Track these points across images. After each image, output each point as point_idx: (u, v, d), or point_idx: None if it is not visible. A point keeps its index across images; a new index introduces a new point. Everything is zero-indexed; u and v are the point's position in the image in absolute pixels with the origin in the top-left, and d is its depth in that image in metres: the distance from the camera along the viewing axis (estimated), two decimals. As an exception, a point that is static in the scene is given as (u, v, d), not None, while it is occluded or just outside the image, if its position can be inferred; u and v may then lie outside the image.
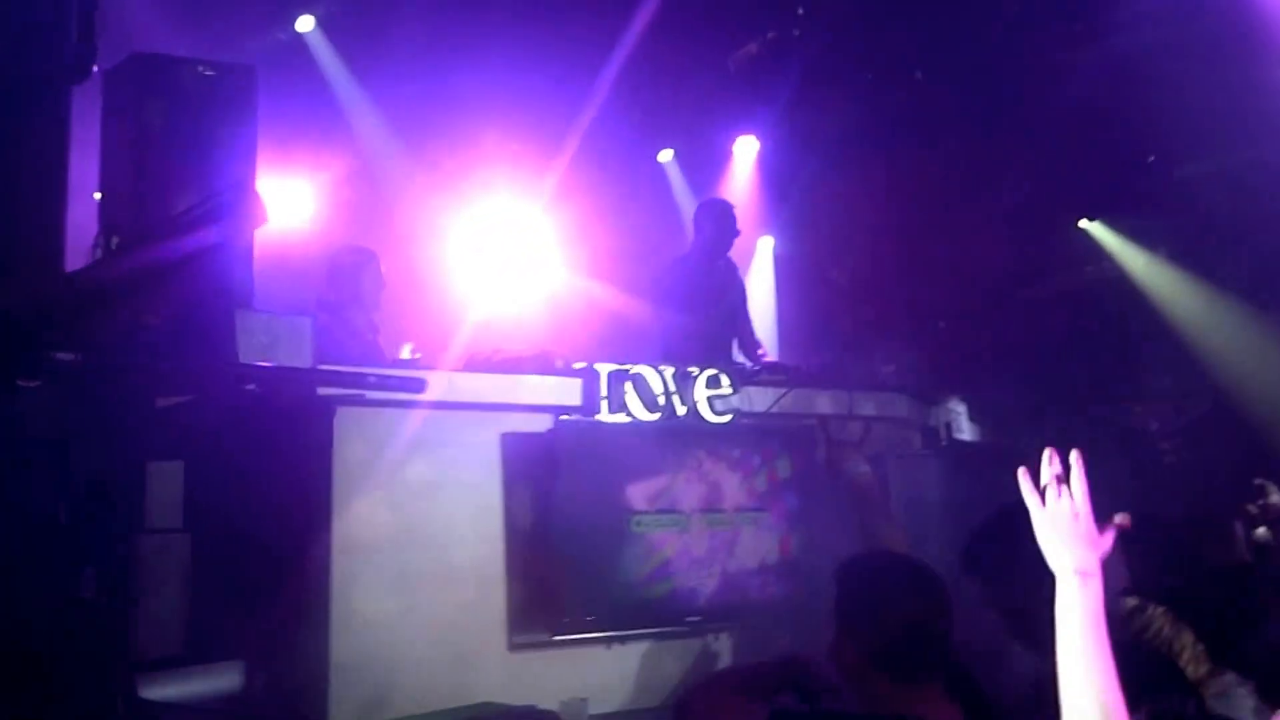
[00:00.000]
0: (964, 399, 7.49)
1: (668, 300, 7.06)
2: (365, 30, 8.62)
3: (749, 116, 10.50)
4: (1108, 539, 2.44)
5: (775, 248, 11.65)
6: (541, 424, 5.11)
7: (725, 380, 5.57)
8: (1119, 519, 2.48)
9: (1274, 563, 5.83)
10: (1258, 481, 7.20)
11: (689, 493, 5.36)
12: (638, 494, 5.18)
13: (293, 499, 4.48)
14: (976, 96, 9.64)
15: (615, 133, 9.51)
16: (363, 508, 4.53)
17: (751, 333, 7.43)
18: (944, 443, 6.78)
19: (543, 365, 5.34)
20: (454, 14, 8.29)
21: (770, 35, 9.24)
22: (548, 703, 4.74)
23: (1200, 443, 9.99)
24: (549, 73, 8.66)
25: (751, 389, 5.78)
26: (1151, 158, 10.63)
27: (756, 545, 5.54)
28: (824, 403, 6.18)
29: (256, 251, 4.52)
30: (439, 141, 9.11)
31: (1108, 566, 2.35)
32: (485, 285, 9.52)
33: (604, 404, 5.18)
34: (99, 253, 4.23)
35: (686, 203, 10.51)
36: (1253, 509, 6.86)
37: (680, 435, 5.37)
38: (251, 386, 4.23)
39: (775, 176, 11.07)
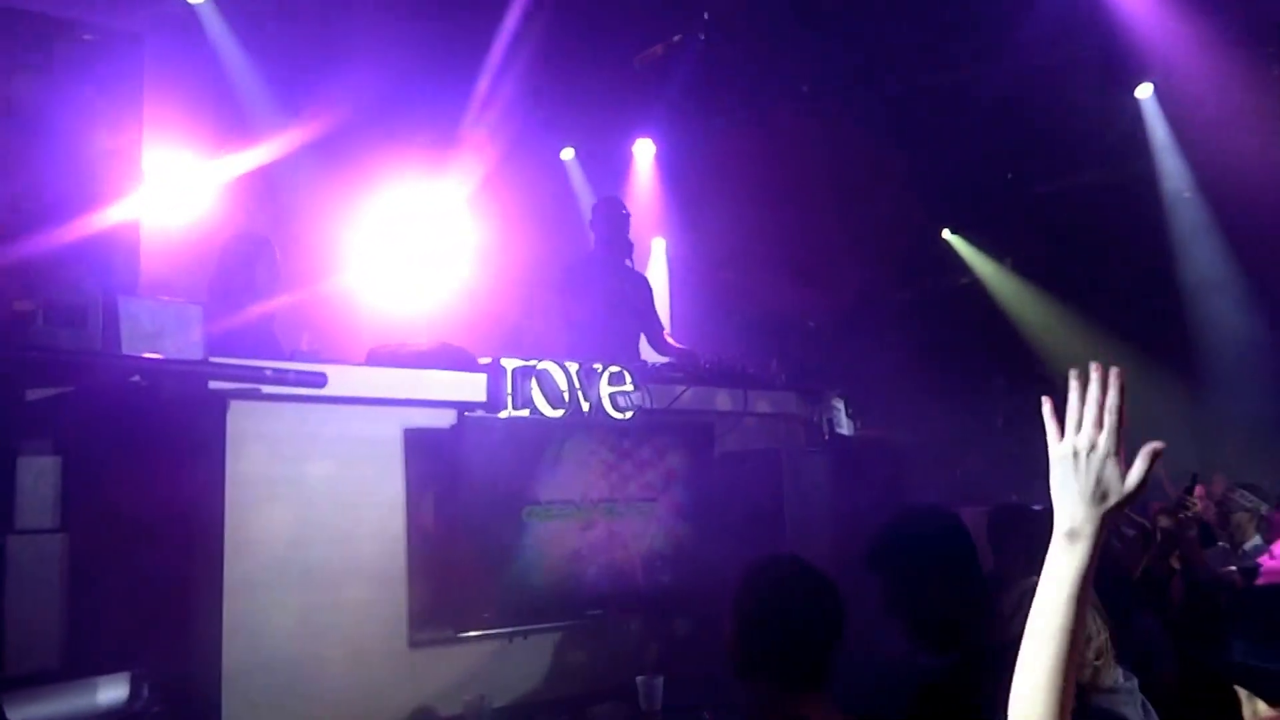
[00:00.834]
0: (843, 396, 7.14)
1: (573, 296, 6.69)
2: (262, 9, 7.83)
3: (649, 118, 10.14)
4: (1132, 479, 1.85)
5: (668, 248, 11.26)
6: (446, 419, 4.59)
7: (628, 377, 5.14)
8: (1154, 446, 1.89)
9: (1156, 558, 5.62)
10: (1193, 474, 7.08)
11: (586, 485, 4.91)
12: (536, 487, 4.71)
13: (183, 497, 3.87)
14: (858, 112, 9.46)
15: (522, 128, 9.02)
16: (258, 506, 3.96)
17: (660, 328, 7.06)
18: (827, 438, 6.45)
19: (447, 360, 4.78)
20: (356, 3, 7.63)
21: (675, 38, 8.86)
22: (450, 699, 4.32)
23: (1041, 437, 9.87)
24: (454, 65, 8.10)
25: (653, 386, 5.32)
26: (1010, 176, 10.63)
27: (650, 536, 5.12)
28: (722, 400, 5.80)
29: (145, 237, 3.85)
30: (341, 130, 8.35)
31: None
32: (388, 277, 8.92)
33: (509, 400, 4.67)
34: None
35: (587, 201, 10.05)
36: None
37: (581, 430, 4.92)
38: (136, 378, 3.58)
39: (670, 177, 10.71)
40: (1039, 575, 3.21)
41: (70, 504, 3.57)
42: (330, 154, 8.36)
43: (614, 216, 6.95)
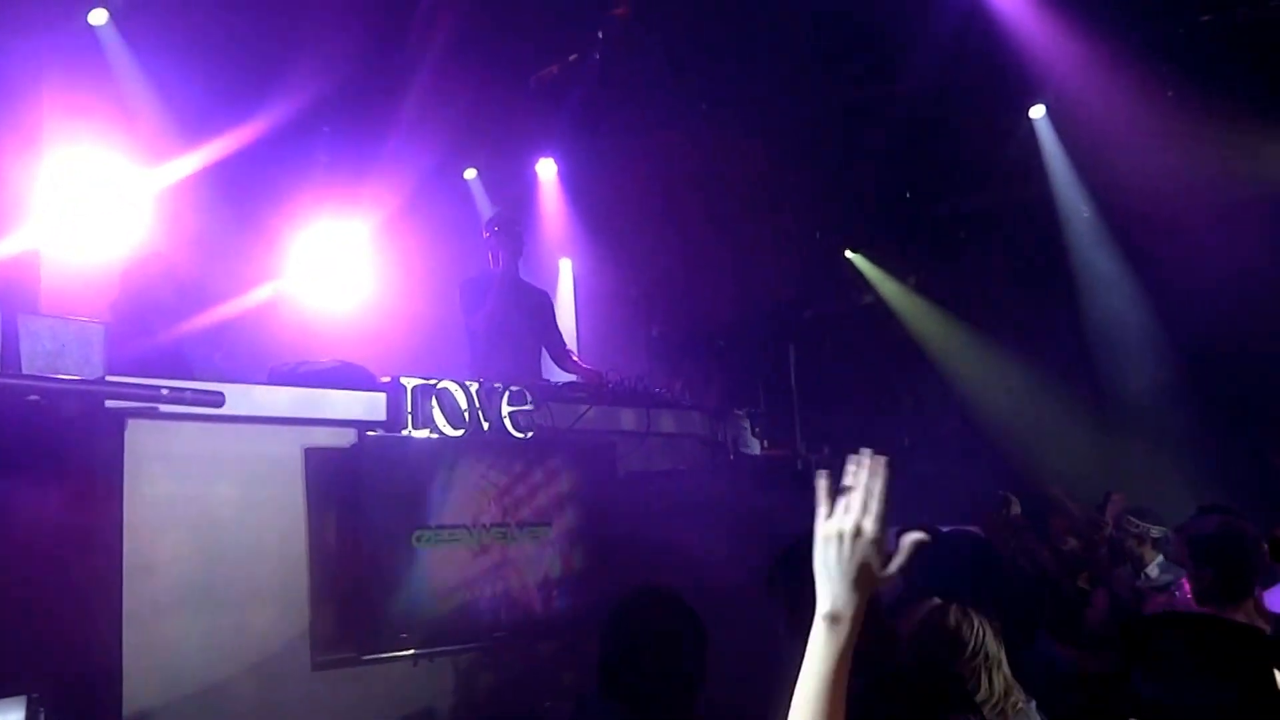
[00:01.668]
0: (748, 415, 7.33)
1: (471, 311, 6.78)
2: (157, 26, 7.82)
3: (549, 137, 10.28)
4: (892, 568, 1.96)
5: (574, 267, 11.42)
6: (346, 439, 4.68)
7: (529, 396, 5.25)
8: (915, 537, 2.00)
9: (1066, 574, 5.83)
10: (1001, 493, 7.30)
11: (478, 508, 4.99)
12: (430, 510, 4.79)
13: (81, 518, 3.90)
14: (758, 129, 9.66)
15: (423, 147, 9.09)
16: (158, 526, 4.01)
17: (562, 345, 7.17)
18: (731, 457, 6.60)
19: (347, 378, 4.87)
20: (257, 16, 7.67)
21: (572, 58, 9.02)
22: (353, 722, 4.34)
23: (947, 455, 10.17)
24: (359, 82, 8.17)
25: (554, 404, 5.45)
26: (908, 194, 10.91)
27: (542, 560, 5.21)
28: (625, 419, 5.94)
29: (48, 258, 3.93)
30: (249, 149, 8.35)
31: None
32: (299, 296, 8.94)
33: (409, 419, 4.77)
34: None
35: (490, 220, 10.13)
36: (998, 518, 6.94)
37: (479, 450, 5.01)
38: (34, 397, 3.64)
39: (573, 197, 10.86)
40: (940, 597, 3.42)
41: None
42: (234, 175, 8.37)
43: (507, 231, 7.01)
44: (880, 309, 11.76)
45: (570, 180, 10.93)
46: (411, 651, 4.65)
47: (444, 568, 4.81)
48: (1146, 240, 9.90)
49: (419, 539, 4.72)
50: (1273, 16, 8.44)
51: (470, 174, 10.92)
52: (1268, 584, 4.65)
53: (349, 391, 4.79)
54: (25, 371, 3.53)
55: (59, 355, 3.62)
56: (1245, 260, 8.81)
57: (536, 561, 5.16)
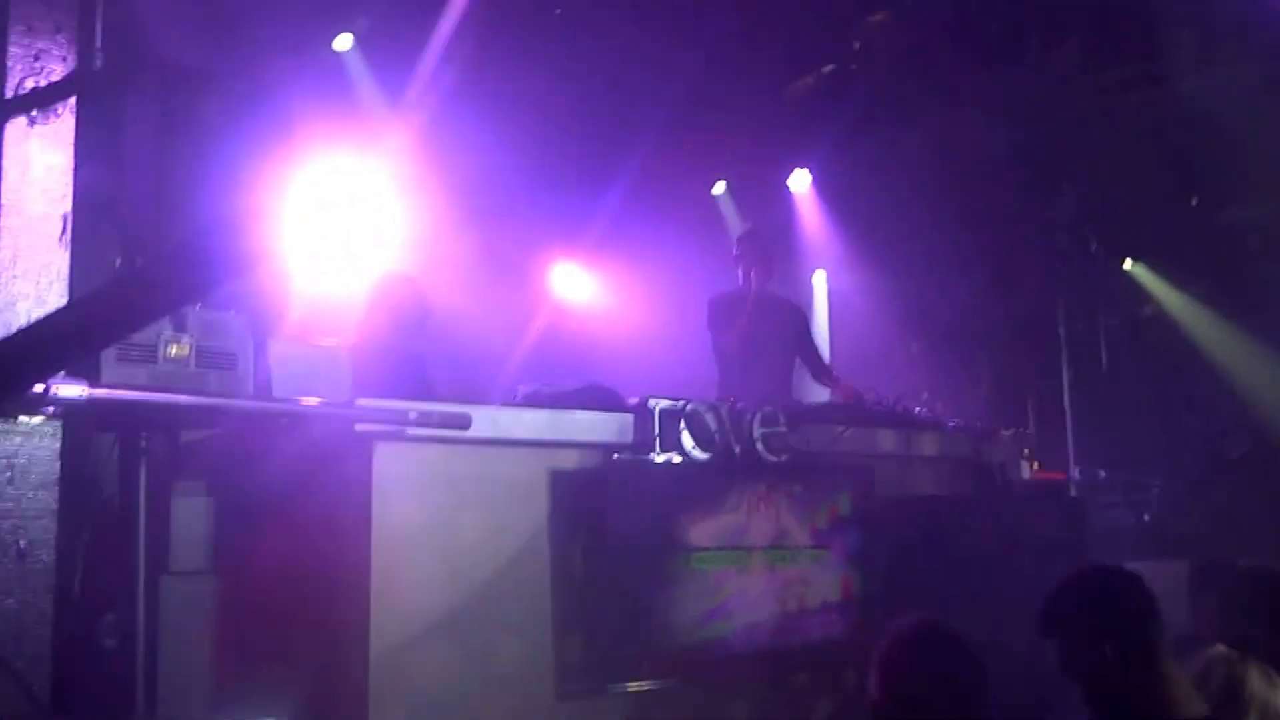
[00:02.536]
0: (1016, 435, 6.97)
1: (720, 330, 6.77)
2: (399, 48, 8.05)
3: (802, 149, 10.12)
4: None
5: (829, 280, 11.23)
6: (591, 461, 4.62)
7: (781, 418, 5.08)
8: None
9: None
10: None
11: (751, 529, 4.91)
12: (697, 531, 4.72)
13: (331, 541, 3.98)
14: (1021, 136, 9.28)
15: (669, 164, 9.10)
16: (403, 551, 4.03)
17: (819, 359, 7.10)
18: (999, 481, 6.27)
19: (593, 400, 4.84)
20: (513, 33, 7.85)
21: (827, 70, 8.86)
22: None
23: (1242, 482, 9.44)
24: (603, 100, 8.25)
25: (809, 427, 5.28)
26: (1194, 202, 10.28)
27: (819, 583, 5.11)
28: (884, 440, 5.71)
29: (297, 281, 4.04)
30: (492, 167, 8.51)
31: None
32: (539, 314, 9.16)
33: (656, 441, 4.68)
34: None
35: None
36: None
37: (737, 472, 4.90)
38: (286, 421, 3.74)
39: (829, 210, 10.66)
40: (1232, 639, 3.13)
41: (219, 546, 3.73)
42: (481, 197, 8.56)
43: (759, 247, 7.00)
44: (1163, 322, 11.12)
45: (826, 191, 10.75)
46: (659, 681, 4.55)
47: (711, 589, 4.74)
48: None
49: (684, 560, 4.66)
50: None
51: (719, 189, 10.87)
52: None
53: (595, 413, 4.74)
54: (274, 395, 3.62)
55: (308, 379, 3.70)
56: None
57: (809, 585, 5.07)
